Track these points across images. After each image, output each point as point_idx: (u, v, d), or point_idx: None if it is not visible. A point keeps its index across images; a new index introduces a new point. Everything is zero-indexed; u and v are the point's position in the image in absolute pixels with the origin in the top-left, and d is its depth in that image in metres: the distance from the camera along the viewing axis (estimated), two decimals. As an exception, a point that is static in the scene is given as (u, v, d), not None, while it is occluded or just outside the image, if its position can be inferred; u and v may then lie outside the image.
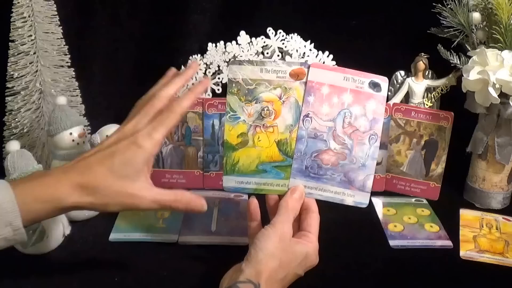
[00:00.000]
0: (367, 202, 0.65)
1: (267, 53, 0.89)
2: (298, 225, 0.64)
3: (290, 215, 0.62)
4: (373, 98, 0.63)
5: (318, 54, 0.89)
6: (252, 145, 0.65)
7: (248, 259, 0.57)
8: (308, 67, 0.64)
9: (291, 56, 0.88)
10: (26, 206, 0.53)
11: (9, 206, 0.52)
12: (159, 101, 0.59)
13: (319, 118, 0.63)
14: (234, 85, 0.64)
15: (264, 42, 0.89)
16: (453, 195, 0.89)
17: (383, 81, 0.64)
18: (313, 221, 0.63)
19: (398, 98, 0.92)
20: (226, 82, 0.88)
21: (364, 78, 0.63)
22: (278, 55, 0.89)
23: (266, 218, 0.64)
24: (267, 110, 0.64)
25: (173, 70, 0.66)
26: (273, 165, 0.65)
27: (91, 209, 0.57)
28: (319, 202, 0.66)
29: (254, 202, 0.64)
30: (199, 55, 0.91)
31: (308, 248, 0.61)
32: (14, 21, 0.81)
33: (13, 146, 0.69)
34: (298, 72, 0.63)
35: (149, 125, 0.57)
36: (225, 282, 0.56)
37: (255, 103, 0.64)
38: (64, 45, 0.86)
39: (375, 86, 0.63)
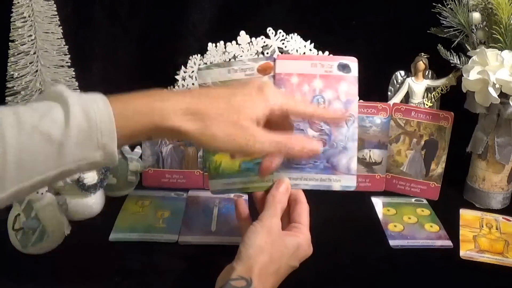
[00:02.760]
0: (355, 184, 0.65)
1: (267, 53, 0.89)
2: (288, 217, 0.64)
3: (278, 209, 0.61)
4: (344, 80, 0.62)
5: (318, 54, 0.89)
6: None
7: (238, 257, 0.56)
8: (274, 60, 0.64)
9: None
10: (123, 123, 0.48)
11: (106, 126, 0.47)
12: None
13: None
14: None
15: (264, 42, 0.89)
16: (453, 195, 0.89)
17: (351, 61, 0.64)
18: (302, 211, 0.63)
19: (398, 98, 0.92)
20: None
21: (332, 62, 0.63)
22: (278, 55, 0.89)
23: (256, 215, 0.64)
24: None
25: None
26: (255, 162, 0.64)
27: (194, 138, 0.51)
28: (315, 197, 0.66)
29: (241, 201, 0.64)
30: (199, 55, 0.91)
31: (299, 239, 0.60)
32: (14, 21, 0.81)
33: None
34: (265, 66, 0.63)
35: (281, 91, 0.57)
36: (218, 282, 0.56)
37: None
38: (64, 45, 0.86)
39: (344, 67, 0.62)
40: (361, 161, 0.87)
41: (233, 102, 0.52)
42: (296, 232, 0.61)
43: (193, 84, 0.91)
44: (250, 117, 0.52)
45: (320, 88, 0.63)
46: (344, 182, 0.64)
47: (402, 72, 0.93)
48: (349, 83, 0.63)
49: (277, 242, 0.58)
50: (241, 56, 0.88)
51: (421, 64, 0.89)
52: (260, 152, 0.55)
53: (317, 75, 0.62)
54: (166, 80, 0.93)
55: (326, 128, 0.63)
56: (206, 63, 0.91)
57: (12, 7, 0.81)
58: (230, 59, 0.88)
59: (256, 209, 0.64)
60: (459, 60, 0.84)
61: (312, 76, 0.62)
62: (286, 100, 0.56)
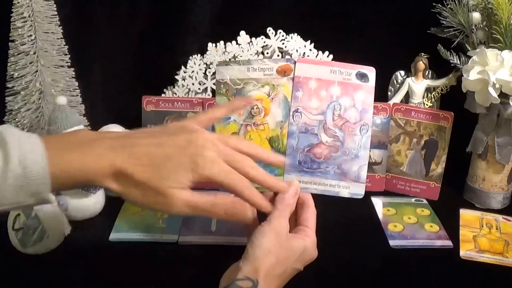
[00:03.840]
0: (363, 192, 0.65)
1: (267, 53, 0.89)
2: (295, 220, 0.64)
3: (286, 211, 0.61)
4: (361, 88, 0.63)
5: (318, 54, 0.89)
6: None
7: (245, 257, 0.57)
8: (295, 63, 0.64)
9: (291, 56, 0.88)
10: (58, 179, 0.50)
11: (41, 178, 0.49)
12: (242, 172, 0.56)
13: (309, 112, 0.63)
14: (222, 86, 0.64)
15: (264, 42, 0.89)
16: (453, 195, 0.89)
17: (370, 71, 0.64)
18: (310, 215, 0.63)
19: (398, 98, 0.92)
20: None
21: (351, 70, 0.63)
22: (278, 55, 0.89)
23: (263, 216, 0.64)
24: (256, 108, 0.64)
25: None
26: (264, 164, 0.64)
27: (119, 195, 0.54)
28: (318, 199, 0.66)
29: None
30: (199, 55, 0.91)
31: (305, 242, 0.60)
32: (14, 21, 0.81)
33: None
34: (285, 68, 0.64)
35: (221, 161, 0.54)
36: (224, 281, 0.56)
37: None
38: (64, 45, 0.86)
39: (362, 76, 0.63)
40: (361, 161, 0.87)
41: (160, 169, 0.53)
42: (302, 235, 0.61)
43: (193, 84, 0.92)
44: (174, 185, 0.53)
45: (338, 95, 0.63)
46: (352, 189, 0.65)
47: (402, 72, 0.93)
48: (366, 92, 0.63)
49: (284, 244, 0.58)
50: (241, 56, 0.88)
51: (421, 64, 0.89)
52: (180, 213, 0.55)
53: (336, 82, 0.63)
54: (166, 80, 0.93)
55: (340, 134, 0.63)
56: (206, 63, 0.91)
57: (12, 7, 0.81)
58: (230, 58, 0.88)
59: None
60: (459, 60, 0.84)
61: (331, 82, 0.63)
62: (220, 171, 0.54)
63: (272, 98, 0.64)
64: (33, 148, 0.50)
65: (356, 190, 0.65)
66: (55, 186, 0.50)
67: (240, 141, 0.58)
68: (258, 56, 0.89)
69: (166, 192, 0.53)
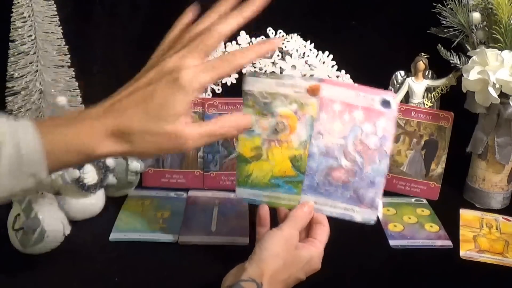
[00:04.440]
0: (375, 218, 0.65)
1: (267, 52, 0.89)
2: (306, 236, 0.64)
3: (298, 224, 0.62)
4: (383, 115, 0.62)
5: (318, 54, 0.89)
6: (266, 159, 0.64)
7: (252, 258, 0.57)
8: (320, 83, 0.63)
9: (291, 56, 0.88)
10: (54, 155, 0.48)
11: (36, 156, 0.47)
12: (212, 39, 0.51)
13: (331, 135, 0.63)
14: (249, 97, 0.63)
15: (264, 42, 0.89)
16: (453, 195, 0.89)
17: (392, 97, 0.63)
18: (322, 231, 0.63)
19: (398, 98, 0.92)
20: (225, 82, 0.88)
21: (375, 95, 0.62)
22: (278, 55, 0.89)
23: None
24: (282, 125, 0.63)
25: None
26: (285, 180, 0.64)
27: (127, 155, 0.52)
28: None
29: (265, 208, 0.64)
30: (199, 55, 0.91)
31: (312, 252, 0.60)
32: (14, 21, 0.81)
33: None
34: (315, 88, 0.62)
35: (198, 66, 0.50)
36: (227, 281, 0.56)
37: (271, 117, 0.63)
38: (64, 45, 0.86)
39: (385, 103, 0.62)
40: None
41: (150, 109, 0.50)
42: (310, 245, 0.61)
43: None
44: (172, 119, 0.50)
45: (360, 119, 0.62)
46: (366, 215, 0.65)
47: (402, 72, 0.92)
48: (388, 120, 0.62)
49: (292, 252, 0.59)
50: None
51: (421, 64, 0.89)
52: (195, 147, 0.53)
53: (359, 107, 0.62)
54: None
55: (359, 159, 0.63)
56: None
57: (12, 7, 0.81)
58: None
59: (277, 223, 0.64)
60: (459, 60, 0.84)
61: (354, 107, 0.62)
62: (206, 75, 0.50)
63: (299, 117, 0.63)
64: (24, 130, 0.48)
65: (369, 216, 0.65)
66: (51, 164, 0.49)
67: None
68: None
69: (170, 130, 0.50)
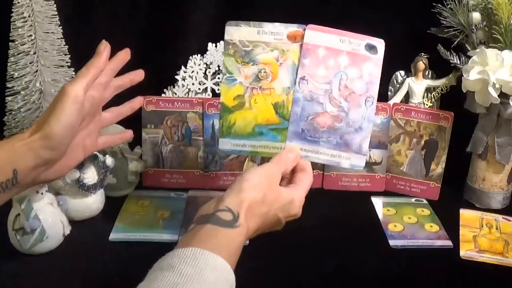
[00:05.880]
0: (363, 164, 0.64)
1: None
2: (289, 182, 0.63)
3: (282, 166, 0.61)
4: (370, 60, 0.61)
5: (318, 54, 0.89)
6: (249, 107, 0.63)
7: (230, 187, 0.56)
8: (304, 30, 0.63)
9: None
10: None
11: None
12: None
13: (315, 80, 0.62)
14: (230, 46, 0.63)
15: (264, 42, 0.89)
16: (453, 195, 0.89)
17: (379, 43, 0.63)
18: (305, 178, 0.62)
19: (398, 98, 0.92)
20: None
21: (360, 40, 0.62)
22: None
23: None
24: (264, 72, 0.63)
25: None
26: (269, 127, 0.63)
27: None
28: (310, 195, 0.65)
29: None
30: (199, 55, 0.91)
31: (294, 194, 0.59)
32: (14, 21, 0.81)
33: None
34: (296, 34, 0.62)
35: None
36: (203, 210, 0.55)
37: (252, 65, 0.63)
38: (64, 45, 0.86)
39: (371, 48, 0.62)
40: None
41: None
42: (292, 189, 0.60)
43: (193, 84, 0.92)
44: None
45: (345, 65, 0.62)
46: (353, 160, 0.64)
47: (402, 72, 0.92)
48: (374, 65, 0.62)
49: (273, 187, 0.57)
50: None
51: (421, 64, 0.89)
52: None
53: (344, 51, 0.61)
54: (166, 80, 0.93)
55: (344, 105, 0.62)
56: (206, 63, 0.91)
57: (12, 7, 0.81)
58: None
59: None
60: (459, 60, 0.84)
61: (339, 52, 0.61)
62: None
63: (280, 63, 0.62)
64: None
65: (357, 162, 0.64)
66: None
67: None
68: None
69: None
